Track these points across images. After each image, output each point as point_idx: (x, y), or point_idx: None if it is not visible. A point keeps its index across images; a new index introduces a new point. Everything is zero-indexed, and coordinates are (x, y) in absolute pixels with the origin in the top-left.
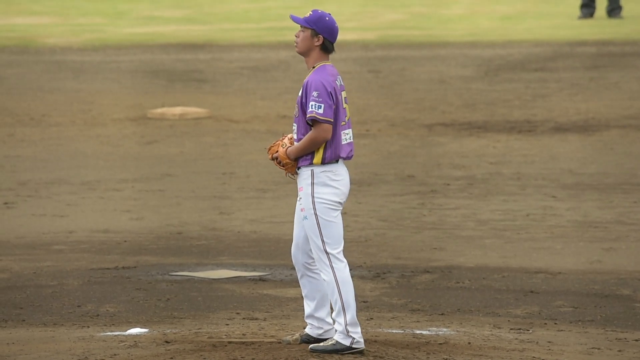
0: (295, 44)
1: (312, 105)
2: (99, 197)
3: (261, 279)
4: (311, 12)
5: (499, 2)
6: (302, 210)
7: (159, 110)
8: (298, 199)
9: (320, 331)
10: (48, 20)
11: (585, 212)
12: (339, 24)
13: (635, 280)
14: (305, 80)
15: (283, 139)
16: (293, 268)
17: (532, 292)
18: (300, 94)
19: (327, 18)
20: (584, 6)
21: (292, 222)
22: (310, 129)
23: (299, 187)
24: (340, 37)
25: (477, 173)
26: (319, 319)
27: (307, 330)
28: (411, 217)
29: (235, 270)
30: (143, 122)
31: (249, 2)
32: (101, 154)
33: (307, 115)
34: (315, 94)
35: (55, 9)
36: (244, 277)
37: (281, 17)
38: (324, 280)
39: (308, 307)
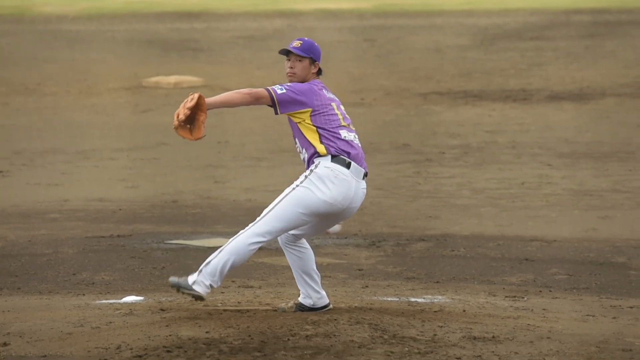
0: (290, 74)
1: (277, 86)
2: (93, 165)
3: None
4: (301, 42)
5: None
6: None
7: (154, 79)
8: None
9: (311, 300)
10: None
11: (581, 181)
12: None
13: (630, 248)
14: None
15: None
16: None
17: (527, 260)
18: None
19: (315, 44)
20: None
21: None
22: (303, 137)
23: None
24: (335, 6)
25: (473, 142)
26: (308, 289)
27: (300, 299)
28: (406, 186)
29: (230, 238)
30: (138, 91)
31: None
32: (96, 123)
33: (269, 87)
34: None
35: None
36: None
37: None
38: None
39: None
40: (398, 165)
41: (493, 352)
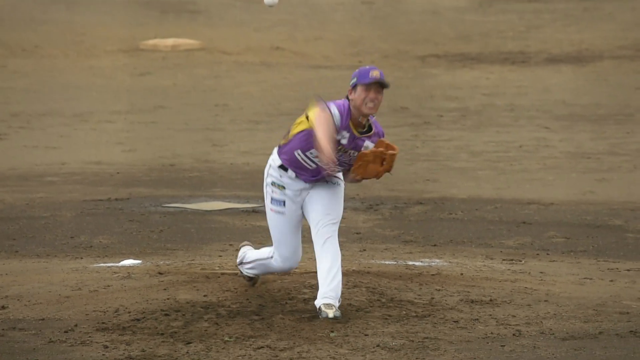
0: (373, 108)
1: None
2: (91, 129)
3: (254, 211)
4: (380, 72)
5: None
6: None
7: (152, 42)
8: (332, 182)
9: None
10: None
11: (578, 144)
12: None
13: (627, 210)
14: (377, 132)
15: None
16: None
17: (524, 223)
18: (366, 143)
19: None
20: None
21: None
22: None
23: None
24: None
25: (471, 105)
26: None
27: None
28: (404, 149)
29: (228, 202)
30: (135, 54)
31: None
32: (94, 85)
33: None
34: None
35: None
36: (237, 208)
37: None
38: (335, 244)
39: None
40: (396, 129)
41: (490, 315)
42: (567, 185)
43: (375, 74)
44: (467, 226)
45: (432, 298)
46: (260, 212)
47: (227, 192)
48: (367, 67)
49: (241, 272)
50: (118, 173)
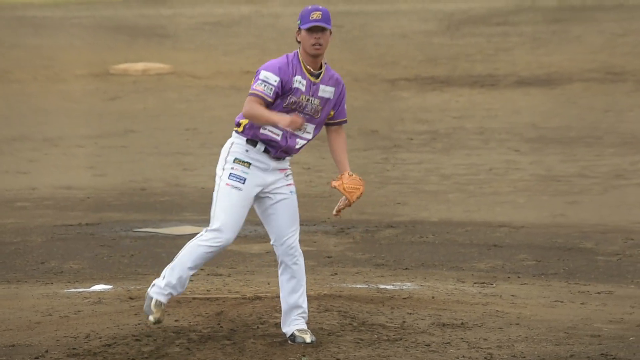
0: (318, 48)
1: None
2: (61, 153)
3: None
4: (321, 12)
5: None
6: (293, 185)
7: (122, 66)
8: (285, 177)
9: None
10: None
11: (548, 166)
12: None
13: (597, 233)
14: (337, 79)
15: (340, 185)
16: (257, 224)
17: (495, 246)
18: (329, 95)
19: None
20: None
21: None
22: (320, 127)
23: (284, 168)
24: None
25: (440, 127)
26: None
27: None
28: (375, 172)
29: (199, 226)
30: (105, 78)
31: None
32: (63, 110)
33: (344, 118)
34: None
35: None
36: None
37: None
38: (300, 261)
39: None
40: (367, 152)
41: (462, 338)
42: (537, 208)
43: (315, 15)
44: (438, 249)
45: (404, 322)
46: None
47: (198, 216)
48: (310, 7)
49: (148, 298)
50: (88, 198)
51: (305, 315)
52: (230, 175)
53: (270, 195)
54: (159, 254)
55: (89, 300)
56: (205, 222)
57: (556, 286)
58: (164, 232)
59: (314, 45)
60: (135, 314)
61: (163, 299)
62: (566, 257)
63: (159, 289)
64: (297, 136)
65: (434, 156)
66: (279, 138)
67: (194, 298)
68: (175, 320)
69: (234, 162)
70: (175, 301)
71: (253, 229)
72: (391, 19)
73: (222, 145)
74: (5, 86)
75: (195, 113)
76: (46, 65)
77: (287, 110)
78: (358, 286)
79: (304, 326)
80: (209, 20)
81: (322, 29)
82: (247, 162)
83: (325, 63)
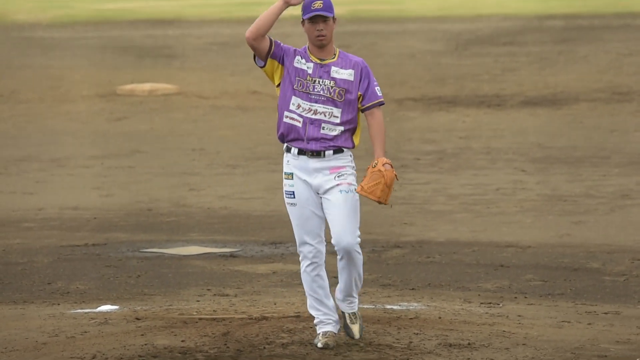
0: (322, 38)
1: (379, 90)
2: (68, 174)
3: (231, 255)
4: (322, 1)
5: None
6: (348, 184)
7: (129, 87)
8: (338, 177)
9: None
10: None
11: (555, 186)
12: None
13: (604, 253)
14: (355, 62)
15: (377, 169)
16: (263, 244)
17: (502, 266)
18: (347, 76)
19: None
20: None
21: (262, 197)
22: (353, 112)
23: (335, 166)
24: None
25: (447, 147)
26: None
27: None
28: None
29: (206, 246)
30: (112, 99)
31: None
32: (71, 130)
33: (377, 101)
34: (374, 78)
35: None
36: (214, 253)
37: None
38: (358, 256)
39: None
40: None
41: (469, 359)
42: (544, 228)
43: (316, 5)
44: (445, 269)
45: (411, 342)
46: (238, 257)
47: (204, 237)
48: None
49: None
50: (95, 218)
51: (356, 300)
52: (284, 193)
53: (324, 198)
54: (165, 274)
55: (95, 320)
56: (211, 242)
57: (563, 306)
58: (171, 253)
59: (317, 36)
60: (142, 335)
61: (326, 328)
62: (573, 278)
63: (317, 322)
64: (320, 121)
65: (441, 176)
66: (299, 125)
67: (200, 318)
68: (182, 341)
69: (284, 178)
70: (182, 322)
71: (259, 249)
72: (399, 39)
73: (228, 166)
74: (12, 107)
75: (202, 133)
76: (53, 85)
77: (297, 92)
78: (365, 306)
79: (356, 308)
80: (216, 41)
81: (324, 19)
82: (290, 174)
83: (340, 50)
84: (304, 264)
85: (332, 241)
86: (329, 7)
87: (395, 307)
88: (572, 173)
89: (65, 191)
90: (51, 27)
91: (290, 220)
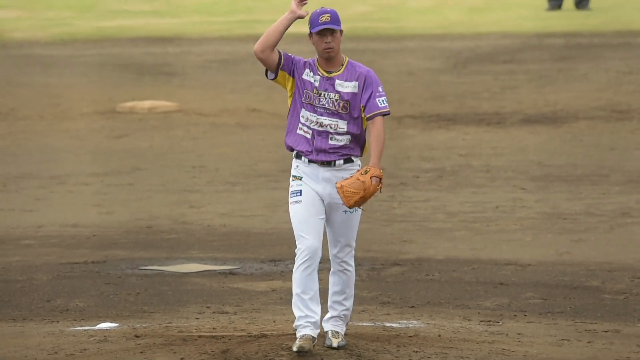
0: (330, 51)
1: (382, 101)
2: (68, 191)
3: (231, 273)
4: (329, 15)
5: None
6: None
7: (128, 104)
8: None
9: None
10: (15, 14)
11: (554, 204)
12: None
13: (604, 271)
14: (359, 73)
15: (364, 180)
16: (263, 261)
17: (501, 284)
18: (352, 89)
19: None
20: None
21: (262, 215)
22: (358, 123)
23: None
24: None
25: (447, 165)
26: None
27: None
28: (381, 210)
29: (205, 264)
30: (112, 116)
31: None
32: (70, 148)
33: (378, 111)
34: (380, 88)
35: (23, 2)
36: (214, 270)
37: (250, 9)
38: (349, 271)
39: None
40: None
41: None
42: (543, 246)
43: (324, 18)
44: (444, 287)
45: None
46: (238, 274)
47: (204, 254)
48: (318, 10)
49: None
50: (94, 235)
51: (348, 313)
52: (290, 193)
53: (329, 207)
54: (165, 291)
55: (94, 338)
56: (211, 259)
57: (562, 324)
58: (170, 270)
59: (325, 49)
60: (141, 352)
61: (304, 331)
62: (572, 296)
63: (296, 325)
64: (327, 132)
65: (440, 194)
66: (309, 137)
67: (199, 336)
68: (181, 358)
69: (291, 181)
70: (181, 339)
71: (259, 266)
72: (398, 56)
73: (228, 183)
74: (11, 124)
75: (202, 150)
76: (53, 103)
77: (304, 105)
78: (364, 324)
79: (340, 329)
80: (216, 58)
81: (332, 32)
82: (299, 177)
83: (349, 60)
84: (298, 262)
85: (331, 250)
86: (336, 20)
87: (394, 325)
88: (572, 191)
89: (65, 208)
90: (50, 45)
91: (290, 222)
